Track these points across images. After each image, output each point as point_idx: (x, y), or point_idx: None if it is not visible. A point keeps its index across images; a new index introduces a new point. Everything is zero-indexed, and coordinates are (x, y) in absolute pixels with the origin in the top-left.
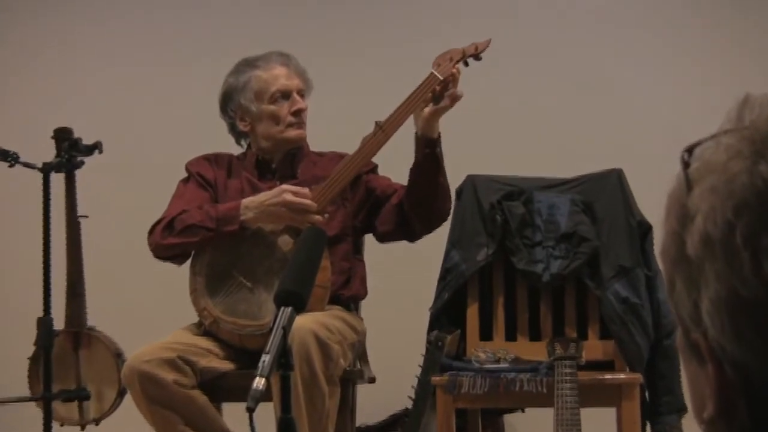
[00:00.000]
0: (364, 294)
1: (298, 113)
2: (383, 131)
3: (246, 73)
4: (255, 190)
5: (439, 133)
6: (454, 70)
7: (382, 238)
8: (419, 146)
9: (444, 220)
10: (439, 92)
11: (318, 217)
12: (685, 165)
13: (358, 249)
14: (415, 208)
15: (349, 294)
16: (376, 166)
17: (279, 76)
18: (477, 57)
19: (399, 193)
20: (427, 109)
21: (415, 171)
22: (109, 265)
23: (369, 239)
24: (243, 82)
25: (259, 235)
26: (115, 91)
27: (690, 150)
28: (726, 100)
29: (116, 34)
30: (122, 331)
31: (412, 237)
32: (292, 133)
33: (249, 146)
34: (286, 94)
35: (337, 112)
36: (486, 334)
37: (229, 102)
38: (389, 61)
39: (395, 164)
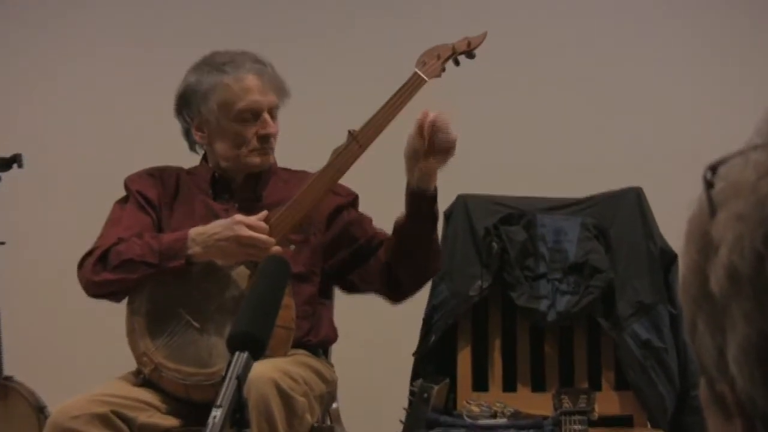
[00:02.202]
0: (335, 337)
1: (267, 138)
2: (357, 142)
3: (211, 76)
4: (208, 213)
5: (436, 187)
6: (432, 119)
7: (357, 292)
8: (413, 201)
9: (432, 277)
10: (428, 139)
11: (277, 248)
12: (708, 186)
13: (324, 292)
14: (405, 269)
15: (316, 339)
16: (355, 198)
17: (250, 90)
18: (470, 54)
19: (387, 246)
20: (424, 162)
21: (406, 228)
22: (30, 302)
23: None
24: (206, 88)
25: (211, 267)
26: (39, 95)
27: (714, 168)
28: (758, 111)
29: (40, 32)
30: (45, 382)
31: (399, 299)
32: (256, 159)
33: (204, 158)
34: (255, 113)
35: (305, 121)
36: (480, 384)
37: (186, 106)
38: (367, 59)
39: (378, 191)
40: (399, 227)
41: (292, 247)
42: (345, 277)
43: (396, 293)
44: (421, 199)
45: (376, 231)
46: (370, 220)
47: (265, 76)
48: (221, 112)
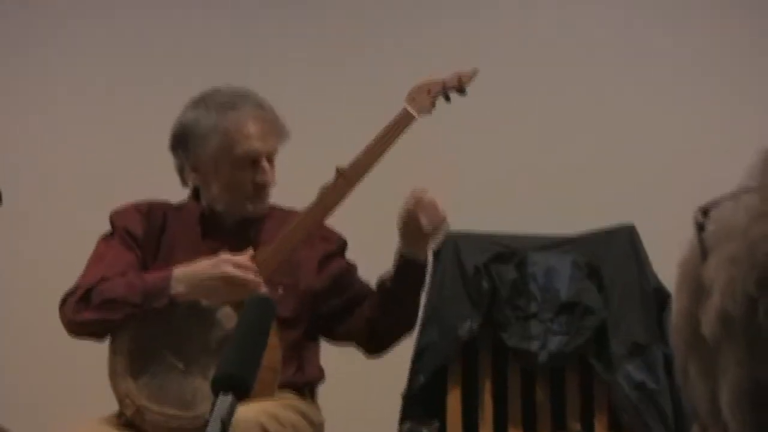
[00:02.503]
0: (321, 377)
1: (263, 187)
2: (345, 180)
3: (210, 117)
4: (195, 252)
5: (427, 256)
6: (418, 200)
7: (337, 342)
8: (403, 267)
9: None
10: (414, 217)
11: (264, 289)
12: (700, 228)
13: (310, 335)
14: (385, 327)
15: (303, 380)
16: (344, 244)
17: (250, 137)
18: (461, 90)
19: (371, 302)
20: (416, 236)
21: (392, 291)
22: (7, 339)
23: None
24: (204, 130)
25: (195, 306)
26: (19, 122)
27: (705, 211)
28: (755, 148)
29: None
30: (24, 422)
31: (376, 353)
32: (250, 207)
33: (196, 195)
34: (254, 161)
35: (292, 157)
36: (470, 427)
37: (181, 144)
38: (355, 93)
39: (366, 228)
40: (385, 288)
41: (281, 290)
42: (329, 326)
43: (374, 348)
44: (411, 267)
45: (363, 284)
46: (356, 270)
47: (266, 121)
48: (219, 156)
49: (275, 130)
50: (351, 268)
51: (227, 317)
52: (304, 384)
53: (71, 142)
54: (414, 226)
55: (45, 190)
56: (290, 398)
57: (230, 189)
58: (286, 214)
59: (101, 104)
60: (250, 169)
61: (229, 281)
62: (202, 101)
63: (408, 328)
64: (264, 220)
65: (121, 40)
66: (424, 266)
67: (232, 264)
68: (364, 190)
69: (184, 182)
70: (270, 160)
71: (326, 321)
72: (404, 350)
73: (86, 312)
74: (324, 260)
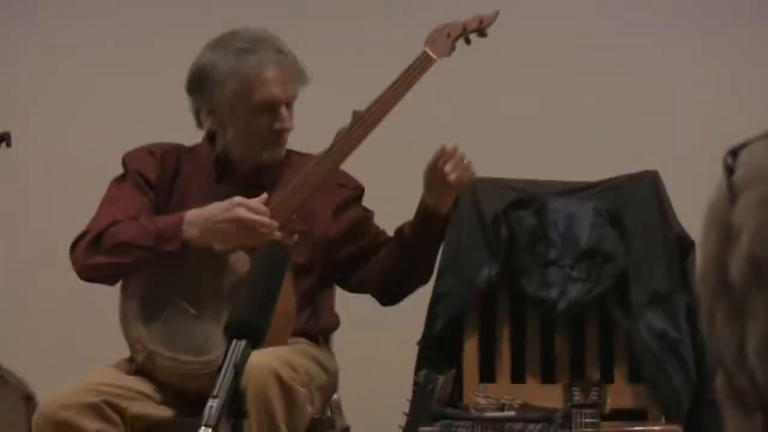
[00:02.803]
0: (336, 325)
1: (281, 134)
2: (363, 124)
3: (228, 60)
4: (209, 196)
5: (451, 208)
6: (447, 153)
7: (351, 291)
8: (424, 218)
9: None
10: (440, 169)
11: (278, 234)
12: (729, 171)
13: (325, 282)
14: (402, 278)
15: (317, 327)
16: (362, 192)
17: (269, 82)
18: (482, 33)
19: (388, 251)
20: (442, 189)
21: (412, 242)
22: (18, 285)
23: None
24: (222, 73)
25: (208, 252)
26: (32, 69)
27: (734, 153)
28: None
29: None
30: (34, 369)
31: (390, 303)
32: (267, 155)
33: (210, 138)
34: (272, 107)
35: (307, 100)
36: (487, 375)
37: (198, 87)
38: (374, 35)
39: (383, 176)
40: (404, 239)
41: (295, 236)
42: (344, 274)
43: (389, 298)
44: (433, 219)
45: (379, 231)
46: (373, 218)
47: (285, 66)
48: (237, 101)
49: (295, 75)
50: (368, 216)
51: (240, 262)
52: (319, 331)
53: (80, 86)
54: (440, 179)
55: (55, 132)
56: (304, 345)
57: (247, 135)
58: (302, 158)
59: (112, 46)
60: (268, 116)
61: (242, 225)
62: (220, 44)
63: (424, 279)
64: (280, 165)
65: None
66: (446, 219)
67: (246, 207)
68: (381, 135)
69: (199, 125)
70: (288, 106)
71: (341, 269)
72: (421, 297)
73: (97, 256)
74: (340, 207)
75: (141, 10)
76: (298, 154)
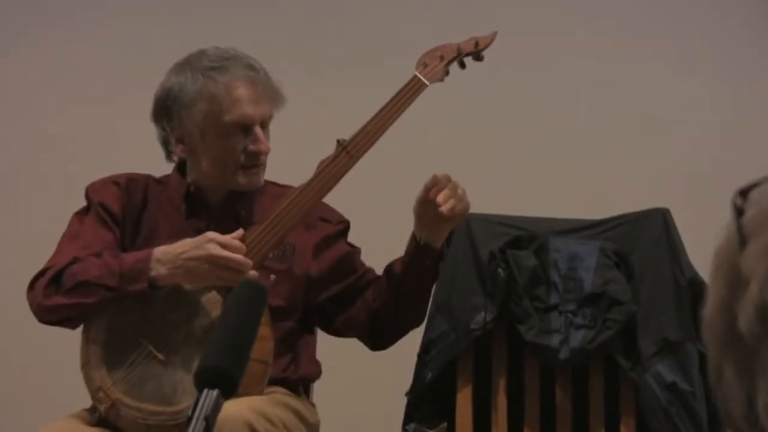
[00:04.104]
0: (318, 373)
1: (257, 156)
2: (348, 153)
3: (196, 82)
4: (179, 232)
5: (444, 244)
6: (440, 182)
7: (336, 335)
8: (417, 254)
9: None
10: (432, 200)
11: (254, 273)
12: (738, 212)
13: (306, 326)
14: (392, 320)
15: (296, 375)
16: (347, 227)
17: (240, 101)
18: (477, 56)
19: (376, 291)
20: (434, 222)
21: (404, 280)
22: None
23: None
24: (189, 96)
25: (178, 291)
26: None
27: (744, 193)
28: None
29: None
30: None
31: (380, 348)
32: (243, 180)
33: (180, 169)
34: (245, 127)
35: (288, 128)
36: (482, 429)
37: (165, 113)
38: (361, 58)
39: (369, 209)
40: (394, 277)
41: (273, 277)
42: (328, 316)
43: (377, 342)
44: (425, 255)
45: (366, 269)
46: (359, 254)
47: (258, 84)
48: (206, 124)
49: (268, 93)
50: (353, 253)
51: (213, 303)
52: (298, 380)
53: (47, 117)
54: (432, 210)
55: (18, 170)
56: (282, 395)
57: (221, 160)
58: (280, 190)
59: (80, 74)
60: (242, 137)
61: (215, 262)
62: (186, 64)
63: (416, 322)
64: (256, 197)
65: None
66: (440, 255)
67: (219, 243)
68: (367, 165)
69: (168, 156)
70: (264, 127)
71: (324, 310)
72: (410, 343)
73: (57, 296)
74: (322, 244)
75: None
76: (277, 185)
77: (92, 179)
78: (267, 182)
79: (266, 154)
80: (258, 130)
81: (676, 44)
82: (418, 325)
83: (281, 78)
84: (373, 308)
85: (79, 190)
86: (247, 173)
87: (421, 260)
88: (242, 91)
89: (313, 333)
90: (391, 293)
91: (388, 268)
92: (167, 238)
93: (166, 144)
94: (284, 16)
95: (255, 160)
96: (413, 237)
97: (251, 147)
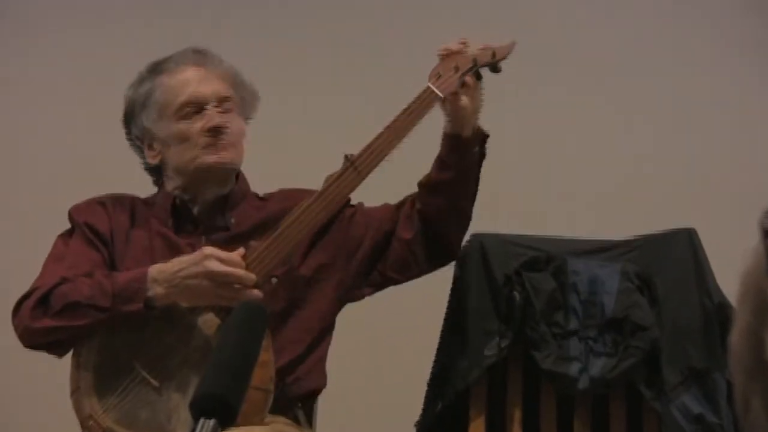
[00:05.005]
0: (322, 385)
1: (216, 132)
2: (356, 169)
3: (148, 81)
4: (170, 248)
5: (479, 129)
6: (468, 83)
7: (399, 282)
8: (449, 148)
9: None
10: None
11: (256, 292)
12: (765, 235)
13: (315, 327)
14: (437, 224)
15: (298, 388)
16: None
17: (189, 82)
18: (494, 67)
19: (405, 224)
20: (452, 101)
21: (444, 179)
22: None
23: None
24: (144, 95)
25: (172, 312)
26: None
27: None
28: None
29: None
30: None
31: (451, 258)
32: (209, 158)
33: (162, 185)
34: (198, 106)
35: (292, 142)
36: None
37: (131, 125)
38: (370, 68)
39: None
40: (429, 182)
41: (274, 280)
42: (375, 278)
43: (446, 254)
44: (455, 145)
45: (375, 215)
46: (363, 206)
47: (207, 65)
48: (162, 115)
49: (222, 74)
50: (355, 211)
51: (210, 325)
52: (304, 396)
53: (45, 133)
54: (453, 106)
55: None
56: (283, 425)
57: (184, 147)
58: (261, 201)
59: (77, 93)
60: (198, 119)
61: (215, 279)
62: (138, 76)
63: (464, 218)
64: (240, 202)
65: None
66: (468, 142)
67: (218, 259)
68: (374, 181)
69: (156, 180)
70: (222, 107)
71: (364, 275)
72: (419, 370)
73: (45, 318)
74: (320, 231)
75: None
76: (266, 197)
77: (77, 200)
78: (254, 194)
79: (225, 129)
80: (210, 108)
81: (702, 54)
82: (466, 226)
83: (288, 89)
84: (407, 240)
85: (61, 211)
86: (212, 151)
87: (453, 152)
88: (189, 73)
89: (323, 337)
90: (433, 200)
91: (421, 182)
92: (159, 255)
93: (146, 162)
94: (290, 27)
95: (214, 138)
96: (443, 134)
97: (207, 124)
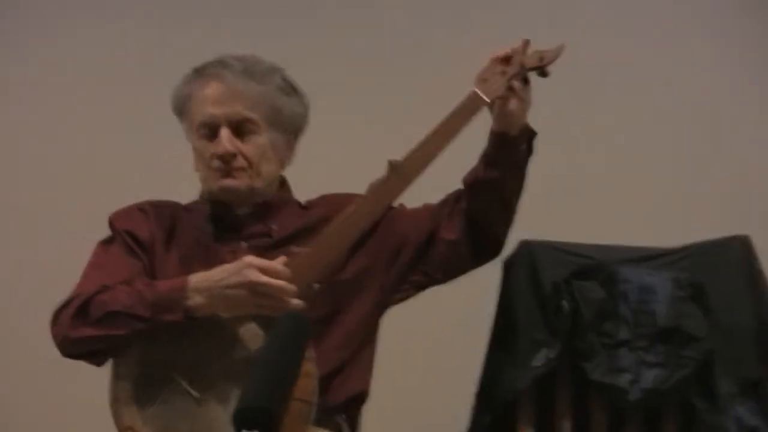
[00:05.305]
0: (366, 393)
1: (225, 159)
2: (399, 176)
3: (188, 84)
4: (211, 257)
5: (528, 128)
6: (514, 87)
7: (446, 280)
8: (495, 146)
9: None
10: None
11: (297, 301)
12: None
13: (361, 332)
14: (482, 218)
15: (341, 395)
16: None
17: (206, 100)
18: (542, 72)
19: (449, 225)
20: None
21: (486, 178)
22: None
23: None
24: (182, 100)
25: (214, 322)
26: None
27: None
28: None
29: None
30: None
31: (479, 259)
32: (217, 183)
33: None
34: (212, 129)
35: (332, 147)
36: None
37: (180, 120)
38: (413, 72)
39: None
40: (481, 180)
41: (316, 286)
42: (421, 278)
43: (491, 252)
44: (502, 143)
45: (417, 215)
46: (405, 208)
47: (227, 80)
48: (190, 127)
49: (243, 92)
50: (394, 220)
51: (252, 335)
52: (345, 403)
53: (74, 134)
54: (500, 109)
55: (45, 187)
56: None
57: (200, 165)
58: (303, 209)
59: (107, 93)
60: (210, 140)
61: (255, 289)
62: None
63: (509, 217)
64: (281, 209)
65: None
66: (515, 140)
67: (259, 269)
68: (417, 184)
69: None
70: (240, 129)
71: (409, 279)
72: (466, 383)
73: (84, 327)
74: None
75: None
76: (308, 204)
77: (116, 206)
78: (296, 201)
79: (232, 157)
80: (223, 131)
81: (757, 58)
82: (510, 218)
83: (330, 96)
84: (451, 240)
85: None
86: (221, 176)
87: (500, 151)
88: (208, 90)
89: (367, 343)
90: (477, 196)
91: (466, 179)
92: (199, 264)
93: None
94: (333, 33)
95: (224, 164)
96: (490, 132)
97: (213, 149)
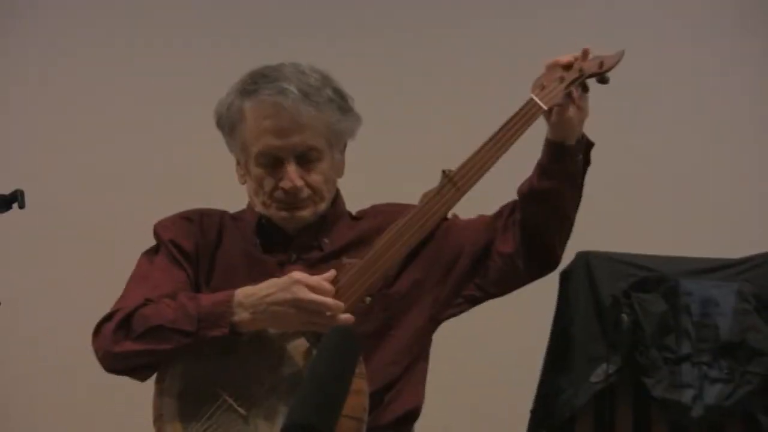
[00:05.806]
0: (419, 409)
1: (290, 194)
2: (455, 186)
3: (236, 99)
4: (258, 269)
5: (585, 139)
6: (573, 94)
7: (502, 294)
8: (550, 155)
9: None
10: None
11: (347, 316)
12: None
13: (413, 347)
14: (537, 229)
15: (393, 412)
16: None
17: (265, 131)
18: (602, 78)
19: (504, 237)
20: (558, 110)
21: (547, 187)
22: (31, 378)
23: None
24: (230, 120)
25: (261, 337)
26: (43, 125)
27: None
28: None
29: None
30: None
31: (556, 263)
32: (280, 214)
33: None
34: (275, 160)
35: (385, 157)
36: None
37: (221, 130)
38: (468, 78)
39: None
40: (537, 191)
41: (368, 299)
42: (476, 294)
43: (548, 265)
44: (559, 154)
45: (471, 227)
46: (458, 219)
47: (287, 110)
48: (244, 151)
49: (303, 122)
50: (449, 231)
51: (300, 351)
52: (399, 420)
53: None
54: (558, 117)
55: (73, 192)
56: None
57: (257, 191)
58: (354, 220)
59: (132, 100)
60: (272, 170)
61: (303, 307)
62: (235, 85)
63: (566, 229)
64: (335, 222)
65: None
66: (574, 151)
67: (307, 286)
68: (473, 195)
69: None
70: (307, 157)
71: (462, 294)
72: (522, 399)
73: (127, 342)
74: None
75: (166, 61)
76: (359, 216)
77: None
78: (348, 212)
79: (299, 191)
80: (289, 167)
81: None
82: (569, 233)
83: (382, 103)
84: (507, 253)
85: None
86: (284, 208)
87: (557, 160)
88: (267, 122)
89: (420, 357)
90: (532, 208)
91: (522, 189)
92: (246, 276)
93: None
94: (384, 45)
95: (290, 197)
96: (545, 140)
97: (280, 184)
